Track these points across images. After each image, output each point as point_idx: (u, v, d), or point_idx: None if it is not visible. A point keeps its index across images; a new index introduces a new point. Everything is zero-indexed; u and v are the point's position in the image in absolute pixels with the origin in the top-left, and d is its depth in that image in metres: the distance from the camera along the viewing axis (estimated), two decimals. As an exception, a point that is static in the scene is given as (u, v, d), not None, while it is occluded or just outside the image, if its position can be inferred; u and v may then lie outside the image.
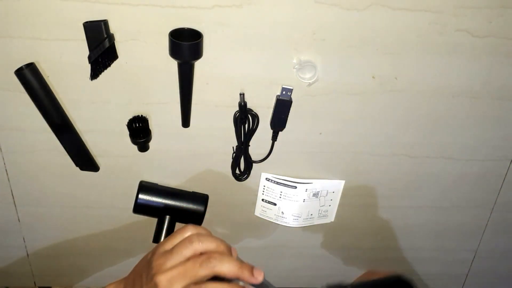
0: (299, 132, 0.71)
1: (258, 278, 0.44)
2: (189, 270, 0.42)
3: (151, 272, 0.44)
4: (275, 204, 0.77)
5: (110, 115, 0.67)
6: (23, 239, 0.79)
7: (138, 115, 0.67)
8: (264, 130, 0.70)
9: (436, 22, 0.62)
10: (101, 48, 0.59)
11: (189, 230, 0.47)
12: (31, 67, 0.60)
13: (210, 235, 0.46)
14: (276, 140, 0.71)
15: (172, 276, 0.43)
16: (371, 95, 0.68)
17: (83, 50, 0.60)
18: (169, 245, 0.46)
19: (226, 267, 0.43)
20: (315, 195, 0.76)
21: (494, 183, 0.80)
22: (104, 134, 0.69)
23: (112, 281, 0.52)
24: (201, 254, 0.44)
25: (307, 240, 0.83)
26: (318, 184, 0.76)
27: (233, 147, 0.72)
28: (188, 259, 0.43)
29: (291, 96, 0.66)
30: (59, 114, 0.64)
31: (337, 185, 0.77)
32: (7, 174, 0.72)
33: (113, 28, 0.60)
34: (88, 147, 0.70)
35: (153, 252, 0.47)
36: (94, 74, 0.62)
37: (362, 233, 0.84)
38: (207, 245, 0.44)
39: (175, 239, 0.46)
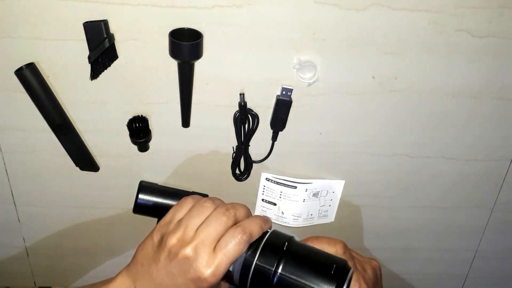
0: (299, 132, 0.71)
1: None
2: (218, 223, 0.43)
3: (173, 250, 0.42)
4: (275, 204, 0.77)
5: (110, 115, 0.67)
6: (23, 239, 0.79)
7: (138, 115, 0.67)
8: (264, 130, 0.70)
9: (436, 22, 0.62)
10: (101, 48, 0.59)
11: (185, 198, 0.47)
12: (31, 67, 0.60)
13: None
14: (276, 140, 0.71)
15: (201, 240, 0.42)
16: (371, 95, 0.68)
17: (83, 50, 0.60)
18: (178, 215, 0.45)
19: (254, 226, 0.45)
20: (315, 195, 0.76)
21: (494, 183, 0.80)
22: (104, 134, 0.69)
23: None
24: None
25: (307, 240, 0.83)
26: (318, 184, 0.76)
27: (233, 147, 0.72)
28: (209, 216, 0.44)
29: (291, 96, 0.66)
30: (59, 114, 0.64)
31: (337, 185, 0.77)
32: (7, 174, 0.72)
33: (113, 28, 0.60)
34: (88, 147, 0.70)
35: (160, 231, 0.45)
36: (94, 74, 0.62)
37: (362, 233, 0.84)
38: (216, 202, 0.46)
39: (183, 209, 0.47)
